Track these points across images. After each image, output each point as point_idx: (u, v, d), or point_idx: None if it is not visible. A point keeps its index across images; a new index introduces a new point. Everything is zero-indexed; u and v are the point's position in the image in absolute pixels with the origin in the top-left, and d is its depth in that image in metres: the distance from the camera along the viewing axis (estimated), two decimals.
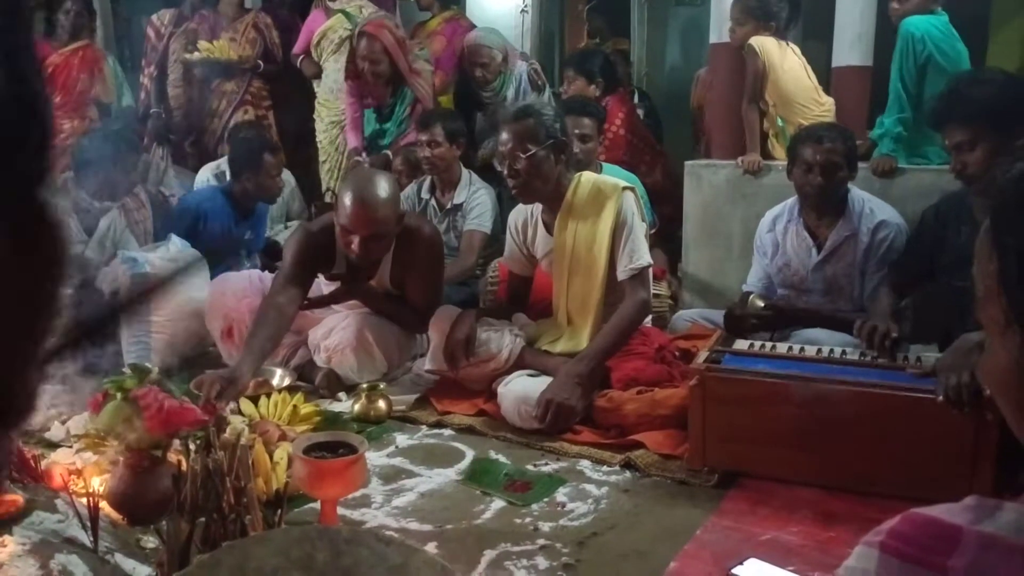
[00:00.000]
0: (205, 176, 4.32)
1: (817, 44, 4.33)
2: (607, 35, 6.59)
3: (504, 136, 2.70)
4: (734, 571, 1.77)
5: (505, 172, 2.72)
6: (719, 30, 3.79)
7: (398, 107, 4.14)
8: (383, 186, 2.75)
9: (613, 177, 2.96)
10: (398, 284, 2.98)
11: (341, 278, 2.92)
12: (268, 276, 3.15)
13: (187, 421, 1.84)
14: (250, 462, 1.72)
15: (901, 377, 2.19)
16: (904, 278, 2.65)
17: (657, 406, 2.45)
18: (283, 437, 2.21)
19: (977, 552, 0.60)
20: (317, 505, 1.95)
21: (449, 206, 3.76)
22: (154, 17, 4.92)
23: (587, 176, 2.80)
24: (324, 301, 2.99)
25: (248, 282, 3.10)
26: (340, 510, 1.98)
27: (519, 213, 2.96)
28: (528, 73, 4.34)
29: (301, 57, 4.65)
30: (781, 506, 2.09)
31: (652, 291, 2.87)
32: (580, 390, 2.51)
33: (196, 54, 4.67)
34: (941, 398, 1.99)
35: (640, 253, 2.68)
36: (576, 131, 3.37)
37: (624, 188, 2.74)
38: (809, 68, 3.63)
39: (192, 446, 1.73)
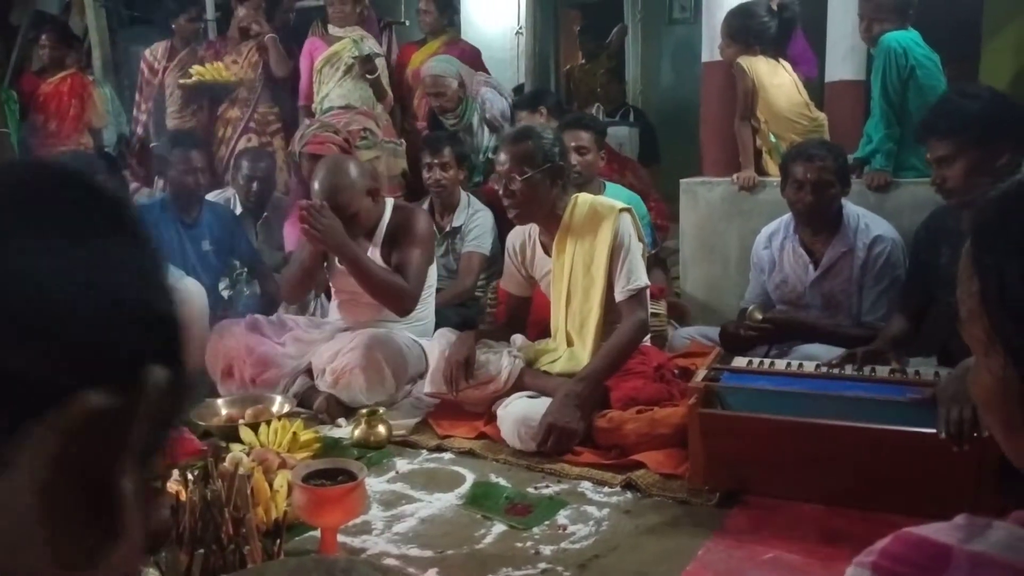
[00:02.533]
0: None
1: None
2: (594, 54, 6.64)
3: (502, 157, 2.73)
4: None
5: (501, 192, 2.74)
6: (711, 48, 3.82)
7: None
8: (344, 169, 3.01)
9: (610, 199, 2.97)
10: (387, 262, 3.07)
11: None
12: (264, 321, 3.19)
13: (185, 451, 1.84)
14: (249, 491, 1.72)
15: (899, 391, 2.18)
16: (913, 301, 2.64)
17: (657, 425, 2.44)
18: (283, 465, 2.20)
19: (968, 571, 0.60)
20: (318, 533, 1.94)
21: (448, 228, 3.77)
22: (147, 52, 4.95)
23: (584, 197, 2.81)
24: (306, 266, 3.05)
25: (246, 326, 3.14)
26: (340, 538, 1.97)
27: (517, 235, 2.97)
28: (490, 115, 4.34)
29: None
30: (783, 524, 2.08)
31: (651, 310, 2.87)
32: (579, 411, 2.51)
33: (190, 79, 4.69)
34: (943, 435, 1.95)
35: (638, 274, 2.68)
36: (573, 144, 3.39)
37: (621, 209, 2.74)
38: (801, 84, 3.65)
39: (190, 476, 1.72)
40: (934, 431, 1.99)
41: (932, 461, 2.01)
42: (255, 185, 4.04)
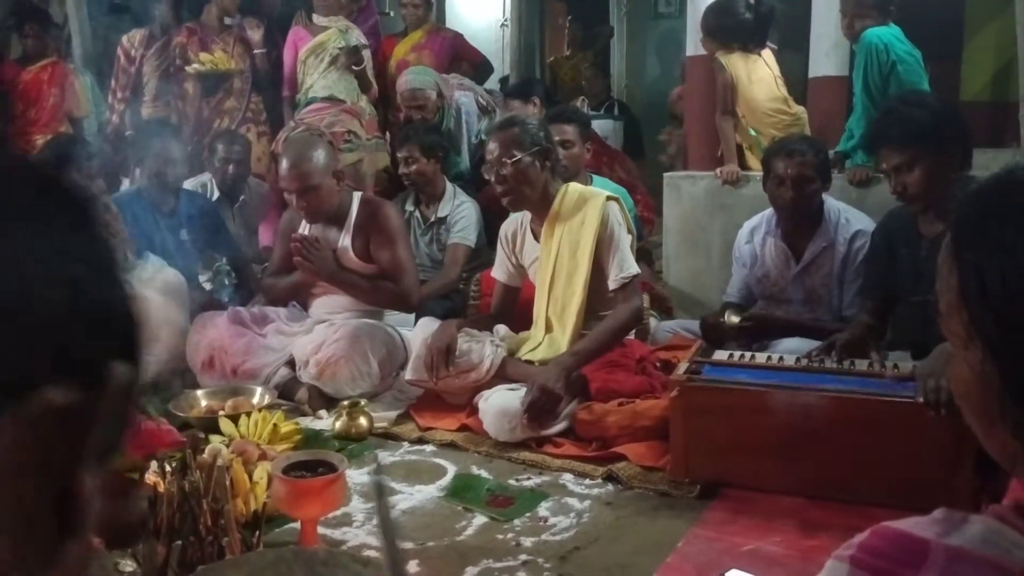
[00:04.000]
0: None
1: (794, 54, 4.38)
2: (579, 48, 6.65)
3: (491, 145, 2.76)
4: None
5: (493, 179, 2.76)
6: (695, 43, 3.83)
7: None
8: (309, 144, 3.10)
9: (598, 188, 3.00)
10: (365, 255, 3.10)
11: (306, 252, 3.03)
12: (246, 313, 3.21)
13: (164, 442, 1.83)
14: (228, 482, 1.71)
15: (878, 384, 2.20)
16: (873, 302, 2.66)
17: (638, 417, 2.45)
18: (263, 456, 2.19)
19: (945, 565, 0.60)
20: (297, 525, 1.93)
21: (433, 219, 3.77)
22: (124, 39, 4.82)
23: (574, 186, 2.86)
24: (298, 285, 3.16)
25: (228, 317, 3.14)
26: (320, 529, 1.96)
27: (510, 223, 3.00)
28: (475, 100, 4.34)
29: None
30: (763, 516, 2.09)
31: None
32: (566, 382, 2.53)
33: (196, 66, 4.60)
34: (921, 399, 2.01)
35: (629, 263, 2.72)
36: (558, 138, 3.39)
37: (609, 197, 2.77)
38: (780, 79, 3.66)
39: (168, 468, 1.71)
40: (912, 399, 2.03)
41: (911, 437, 2.04)
42: (231, 168, 4.01)
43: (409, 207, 3.82)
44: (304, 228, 3.18)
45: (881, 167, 2.52)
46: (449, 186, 3.81)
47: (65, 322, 0.41)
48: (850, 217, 2.85)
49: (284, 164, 3.01)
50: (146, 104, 4.75)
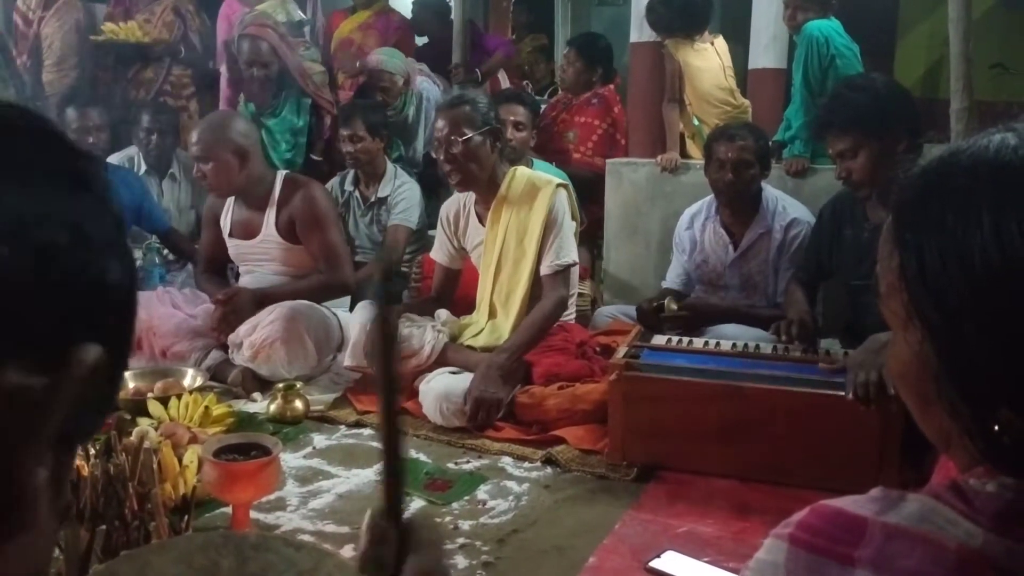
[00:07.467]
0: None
1: (734, 47, 4.42)
2: (525, 32, 6.62)
3: (440, 123, 2.71)
4: (652, 564, 1.79)
5: (441, 158, 2.72)
6: (639, 29, 3.84)
7: (285, 109, 4.05)
8: (225, 116, 3.13)
9: (548, 174, 2.99)
10: (289, 235, 3.04)
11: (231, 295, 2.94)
12: (177, 293, 3.12)
13: None
14: (155, 466, 1.65)
15: (813, 371, 2.25)
16: (811, 276, 2.72)
17: (578, 401, 2.46)
18: (194, 440, 2.13)
19: (882, 542, 0.61)
20: (229, 510, 1.88)
21: (373, 199, 3.70)
22: (19, 1, 4.57)
23: (522, 170, 2.83)
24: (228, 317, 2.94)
25: (156, 298, 3.05)
26: (254, 514, 1.92)
27: (452, 203, 2.95)
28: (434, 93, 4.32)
29: None
30: (698, 498, 2.12)
31: (576, 289, 2.89)
32: (501, 382, 2.51)
33: (101, 36, 4.42)
34: (850, 396, 2.04)
35: (567, 251, 2.70)
36: (511, 119, 3.42)
37: (558, 185, 2.76)
38: (729, 69, 3.70)
39: (92, 450, 1.64)
40: (843, 393, 2.07)
41: (840, 429, 2.09)
42: (155, 138, 3.89)
43: (348, 187, 3.75)
44: (228, 210, 3.10)
45: (829, 153, 2.55)
46: (390, 166, 3.75)
47: (27, 292, 0.35)
48: (787, 205, 2.91)
49: (193, 137, 3.01)
50: (48, 69, 4.52)
